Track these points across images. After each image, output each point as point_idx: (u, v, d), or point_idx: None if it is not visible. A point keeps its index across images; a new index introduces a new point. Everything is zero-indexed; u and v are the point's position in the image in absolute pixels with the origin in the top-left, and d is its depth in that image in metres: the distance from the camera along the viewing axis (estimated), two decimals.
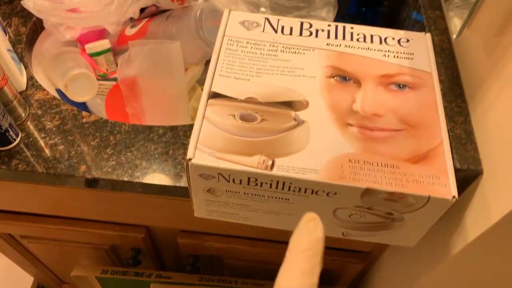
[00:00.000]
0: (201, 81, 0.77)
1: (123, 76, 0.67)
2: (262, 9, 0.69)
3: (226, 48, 0.53)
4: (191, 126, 0.61)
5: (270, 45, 0.54)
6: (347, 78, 0.51)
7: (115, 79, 0.76)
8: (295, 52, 0.54)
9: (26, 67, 0.67)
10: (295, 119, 0.47)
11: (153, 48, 0.65)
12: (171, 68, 0.67)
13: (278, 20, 0.57)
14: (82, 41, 0.76)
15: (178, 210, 0.66)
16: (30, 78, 0.65)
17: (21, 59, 0.68)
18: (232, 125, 0.46)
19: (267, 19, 0.57)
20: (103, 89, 0.75)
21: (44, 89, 0.64)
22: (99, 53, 0.74)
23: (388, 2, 0.75)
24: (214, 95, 0.49)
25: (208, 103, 0.48)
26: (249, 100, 0.48)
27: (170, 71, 0.67)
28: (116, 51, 0.77)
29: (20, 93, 0.63)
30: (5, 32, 0.69)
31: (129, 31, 0.74)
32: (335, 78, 0.51)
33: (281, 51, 0.54)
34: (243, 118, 0.47)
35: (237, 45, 0.54)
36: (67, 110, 0.61)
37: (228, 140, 0.45)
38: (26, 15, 0.73)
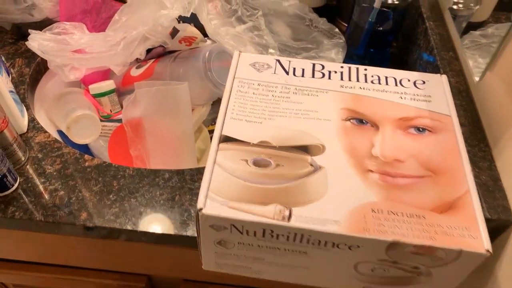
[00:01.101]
0: (207, 122, 0.75)
1: (128, 118, 0.65)
2: (271, 50, 0.68)
3: (237, 90, 0.52)
4: (198, 170, 0.58)
5: (282, 87, 0.52)
6: (364, 121, 0.49)
7: (119, 120, 0.74)
8: (308, 94, 0.52)
9: (28, 109, 0.65)
10: (311, 165, 0.44)
11: (160, 89, 0.63)
12: (178, 110, 0.65)
13: (289, 61, 0.56)
14: (86, 81, 0.74)
15: (182, 259, 0.62)
16: (32, 120, 0.63)
17: (23, 100, 0.66)
18: (245, 171, 0.43)
19: (278, 60, 0.56)
20: (107, 130, 0.72)
21: (45, 131, 0.62)
22: (103, 94, 0.72)
23: (397, 43, 0.74)
24: (225, 139, 0.46)
25: (219, 147, 0.45)
26: (262, 144, 0.46)
27: (176, 113, 0.65)
28: (120, 91, 0.75)
29: (21, 135, 0.60)
30: (8, 73, 0.68)
31: (135, 72, 0.73)
32: (351, 121, 0.49)
33: (293, 93, 0.52)
34: (257, 163, 0.44)
35: (248, 87, 0.52)
36: (69, 153, 0.59)
37: (241, 188, 0.42)
38: (30, 55, 0.72)
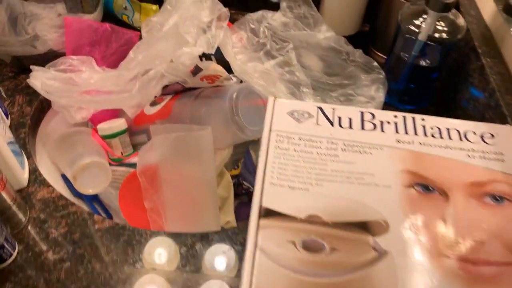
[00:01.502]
0: (228, 165, 0.67)
1: (143, 167, 0.57)
2: (304, 89, 0.60)
3: (275, 147, 0.44)
4: (225, 232, 0.50)
5: (328, 142, 0.45)
6: (431, 188, 0.41)
7: (131, 165, 0.66)
8: (359, 152, 0.44)
9: (29, 157, 0.57)
10: (375, 249, 0.36)
11: (181, 136, 0.55)
12: (200, 158, 0.57)
13: (333, 109, 0.48)
14: (94, 120, 0.66)
15: None
16: (33, 171, 0.55)
17: (23, 146, 0.58)
18: (294, 257, 0.35)
19: (320, 108, 0.48)
20: (117, 176, 0.64)
21: (48, 185, 0.54)
22: (113, 135, 0.64)
23: (441, 77, 0.66)
24: (267, 213, 0.38)
25: (259, 225, 0.37)
26: (311, 220, 0.38)
27: (198, 161, 0.57)
28: (132, 131, 0.67)
29: (21, 190, 0.52)
30: (7, 114, 0.60)
31: (149, 110, 0.65)
32: (415, 187, 0.41)
33: (342, 149, 0.44)
34: (307, 247, 0.36)
35: (287, 142, 0.44)
36: (76, 212, 0.51)
37: (291, 282, 0.34)
38: (32, 92, 0.65)
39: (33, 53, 0.64)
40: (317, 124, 0.46)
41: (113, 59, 0.70)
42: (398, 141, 0.45)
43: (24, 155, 0.55)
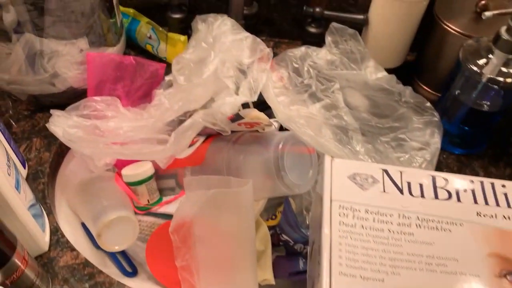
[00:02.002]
0: (264, 214, 0.61)
1: (176, 225, 0.51)
2: (351, 133, 0.54)
3: (340, 222, 0.38)
4: None
5: (400, 216, 0.39)
6: None
7: (159, 215, 0.60)
8: (437, 228, 0.38)
9: (49, 212, 0.51)
10: None
11: (219, 192, 0.49)
12: (238, 215, 0.51)
13: (401, 172, 0.42)
14: (117, 163, 0.60)
15: None
16: (55, 230, 0.49)
17: (42, 199, 0.52)
18: None
19: (386, 171, 0.42)
20: (143, 226, 0.59)
21: (72, 249, 0.48)
22: (139, 182, 0.58)
23: (500, 119, 0.60)
24: None
25: None
26: None
27: (236, 218, 0.51)
28: (159, 174, 0.61)
29: (42, 255, 0.47)
30: (24, 163, 0.54)
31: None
32: (507, 277, 0.35)
33: (416, 225, 0.38)
34: None
35: (353, 216, 0.38)
36: (104, 284, 0.45)
37: None
38: (50, 134, 0.58)
39: (51, 91, 0.58)
40: (384, 191, 0.40)
41: (138, 95, 0.64)
42: (479, 215, 0.39)
43: (44, 214, 0.49)
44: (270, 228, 0.60)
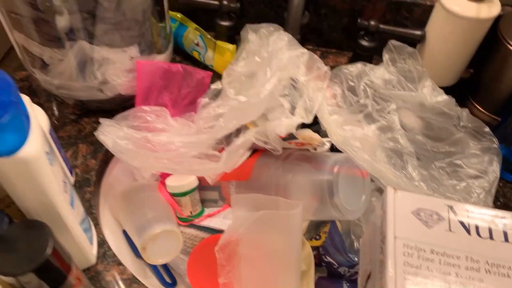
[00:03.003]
0: (307, 233, 0.60)
1: (223, 244, 0.50)
2: (406, 157, 0.52)
3: (404, 263, 0.36)
4: None
5: (467, 259, 0.37)
6: None
7: (201, 228, 0.59)
8: (508, 275, 0.36)
9: (96, 223, 0.51)
10: None
11: (268, 214, 0.48)
12: (286, 237, 0.50)
13: (467, 210, 0.40)
14: (162, 173, 0.60)
15: None
16: (101, 243, 0.49)
17: (89, 209, 0.52)
18: None
19: (451, 208, 0.40)
20: (185, 238, 0.58)
21: (119, 263, 0.48)
22: (184, 194, 0.58)
23: None
24: None
25: None
26: None
27: (283, 239, 0.50)
28: (202, 185, 0.60)
29: (89, 268, 0.46)
30: (71, 170, 0.54)
31: None
32: None
33: (486, 271, 0.36)
34: None
35: (418, 257, 0.36)
36: None
37: None
38: (96, 140, 0.58)
39: (99, 98, 0.58)
40: (450, 230, 0.38)
41: (184, 104, 0.63)
42: None
43: (92, 226, 0.49)
44: (313, 248, 0.58)
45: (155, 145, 0.49)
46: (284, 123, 0.45)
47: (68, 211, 0.39)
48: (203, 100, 0.63)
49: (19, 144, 0.32)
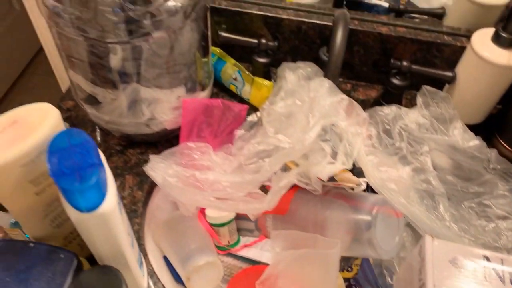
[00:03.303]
0: (339, 265, 0.63)
1: (264, 279, 0.53)
2: (438, 198, 0.55)
3: None
4: None
5: None
6: None
7: (238, 257, 0.63)
8: None
9: (145, 254, 0.54)
10: None
11: (307, 253, 0.51)
12: (323, 273, 0.53)
13: (502, 260, 0.43)
14: None
15: None
16: (150, 274, 0.52)
17: (138, 240, 0.55)
18: None
19: (486, 258, 0.43)
20: (223, 266, 0.61)
21: None
22: (222, 224, 0.61)
23: None
24: None
25: None
26: None
27: (320, 276, 0.53)
28: (239, 215, 0.64)
29: None
30: (121, 200, 0.57)
31: None
32: None
33: None
34: None
35: None
36: None
37: None
38: (141, 172, 0.62)
39: (146, 132, 0.61)
40: (486, 280, 0.41)
41: (222, 137, 0.66)
42: None
43: (142, 258, 0.52)
44: (344, 279, 0.61)
45: (203, 183, 0.52)
46: (327, 170, 0.48)
47: (130, 253, 0.42)
48: (239, 131, 0.66)
49: (100, 201, 0.35)
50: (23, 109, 0.38)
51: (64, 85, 1.11)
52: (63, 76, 1.07)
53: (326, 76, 0.56)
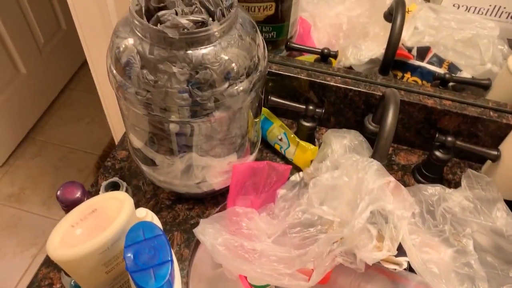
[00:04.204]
0: None
1: None
2: (478, 282, 0.56)
3: None
4: None
5: None
6: None
7: None
8: None
9: None
10: None
11: None
12: None
13: None
14: None
15: None
16: None
17: None
18: None
19: None
20: None
21: None
22: (263, 286, 0.63)
23: None
24: None
25: None
26: None
27: None
28: None
29: None
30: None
31: None
32: None
33: None
34: None
35: None
36: None
37: None
38: (189, 229, 0.65)
39: (196, 192, 0.65)
40: None
41: (264, 197, 0.69)
42: None
43: None
44: None
45: (250, 255, 0.55)
46: (373, 256, 0.50)
47: None
48: (282, 191, 0.69)
49: None
50: (101, 197, 0.41)
51: (105, 102, 1.16)
52: (105, 94, 1.12)
53: (374, 155, 0.58)
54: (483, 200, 0.59)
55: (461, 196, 0.59)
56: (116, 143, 1.32)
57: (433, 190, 0.59)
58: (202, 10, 0.53)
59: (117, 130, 1.26)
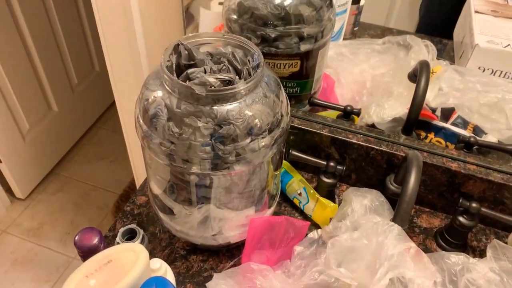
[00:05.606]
0: None
1: None
2: None
3: None
4: None
5: None
6: None
7: None
8: None
9: None
10: None
11: None
12: None
13: None
14: None
15: None
16: None
17: None
18: None
19: None
20: None
21: None
22: None
23: None
24: None
25: None
26: None
27: None
28: None
29: None
30: None
31: None
32: None
33: None
34: None
35: None
36: None
37: None
38: (201, 281, 0.64)
39: (212, 244, 0.64)
40: None
41: (281, 253, 0.68)
42: None
43: None
44: None
45: None
46: None
47: None
48: (299, 248, 0.67)
49: None
50: (118, 248, 0.42)
51: (129, 144, 1.18)
52: (130, 137, 1.15)
53: (395, 219, 0.57)
54: (509, 273, 0.57)
55: (486, 268, 0.56)
56: (137, 184, 1.34)
57: (456, 259, 0.57)
58: (230, 68, 0.54)
59: (139, 171, 1.28)
